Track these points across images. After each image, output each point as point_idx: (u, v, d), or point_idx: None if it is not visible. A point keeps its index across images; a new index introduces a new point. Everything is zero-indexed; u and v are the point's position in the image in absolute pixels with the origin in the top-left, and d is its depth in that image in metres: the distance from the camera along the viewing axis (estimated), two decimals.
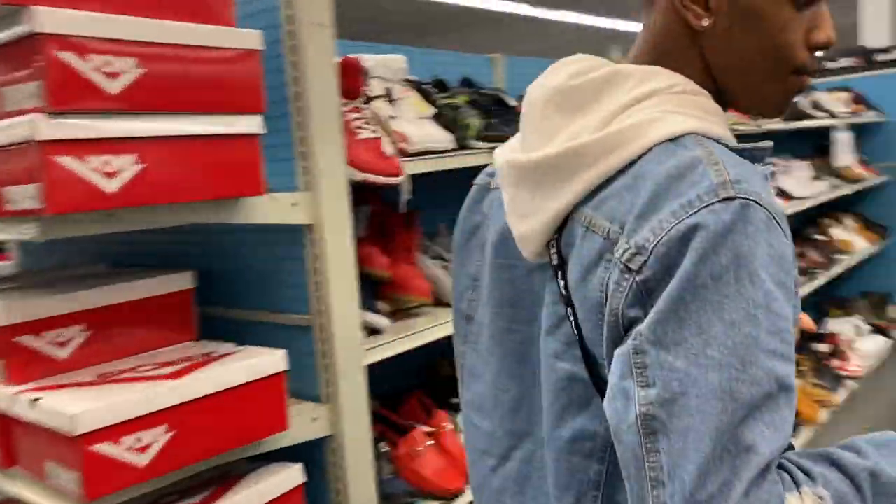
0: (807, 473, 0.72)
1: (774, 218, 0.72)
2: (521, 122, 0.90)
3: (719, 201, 0.70)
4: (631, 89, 0.82)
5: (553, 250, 0.83)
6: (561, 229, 0.83)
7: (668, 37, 0.87)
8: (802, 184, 4.40)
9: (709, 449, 0.65)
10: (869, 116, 5.23)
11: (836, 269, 4.43)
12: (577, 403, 0.82)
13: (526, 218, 0.85)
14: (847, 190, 4.78)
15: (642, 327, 0.71)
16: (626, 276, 0.73)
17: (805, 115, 4.25)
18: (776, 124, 3.80)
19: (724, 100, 0.89)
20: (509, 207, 0.88)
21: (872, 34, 7.00)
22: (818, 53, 0.87)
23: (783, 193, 4.08)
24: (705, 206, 0.70)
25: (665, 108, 0.80)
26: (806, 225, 4.80)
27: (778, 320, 0.69)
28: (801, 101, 4.47)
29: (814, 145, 5.04)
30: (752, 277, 0.69)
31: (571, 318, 0.81)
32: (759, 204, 0.71)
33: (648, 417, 0.68)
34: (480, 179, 1.05)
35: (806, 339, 4.18)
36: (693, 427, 0.66)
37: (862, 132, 5.28)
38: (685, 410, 0.67)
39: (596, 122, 0.80)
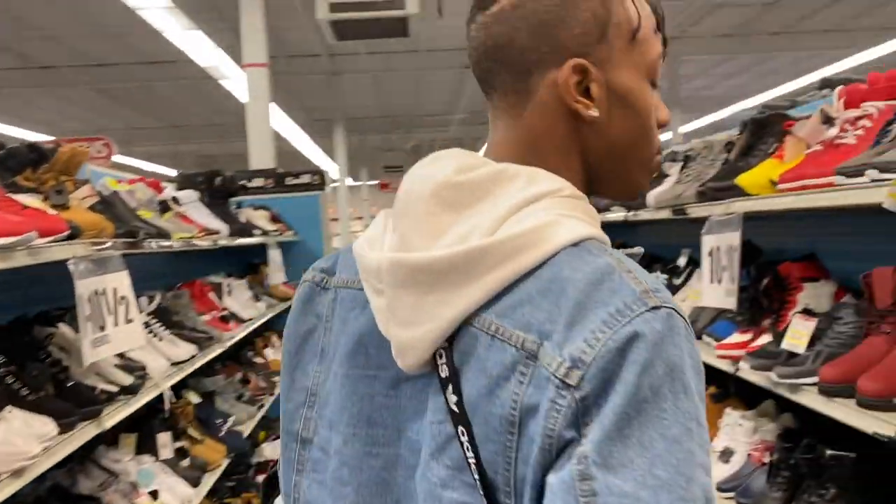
0: None
1: (689, 327, 0.71)
2: (395, 215, 0.81)
3: (648, 310, 0.68)
4: (520, 190, 0.77)
5: (442, 361, 0.74)
6: (452, 337, 0.74)
7: (548, 134, 0.83)
8: (245, 304, 4.04)
9: None
10: (288, 235, 5.25)
11: (278, 390, 4.15)
12: None
13: (411, 325, 0.75)
14: (279, 308, 4.61)
15: (586, 449, 0.65)
16: (564, 392, 0.66)
17: (247, 232, 3.94)
18: (229, 242, 3.37)
19: (591, 191, 0.86)
20: (385, 312, 0.77)
21: (258, 159, 7.42)
22: None
23: (234, 316, 3.64)
24: (637, 316, 0.67)
25: (558, 211, 0.76)
26: (243, 347, 4.44)
27: (705, 433, 0.68)
28: (240, 216, 4.17)
29: (246, 263, 4.79)
30: (685, 389, 0.67)
31: (465, 438, 0.71)
32: (679, 314, 0.69)
33: None
34: (311, 276, 0.93)
35: None
36: None
37: (283, 250, 5.25)
38: None
39: (489, 223, 0.74)
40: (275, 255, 4.62)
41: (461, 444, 0.71)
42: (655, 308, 0.67)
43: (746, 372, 2.04)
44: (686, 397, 0.66)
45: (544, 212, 0.74)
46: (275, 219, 5.21)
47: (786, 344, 1.89)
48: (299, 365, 0.90)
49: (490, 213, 0.74)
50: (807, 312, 1.94)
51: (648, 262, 3.32)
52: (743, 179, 2.05)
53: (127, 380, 2.32)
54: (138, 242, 2.35)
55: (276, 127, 13.24)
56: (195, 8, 10.22)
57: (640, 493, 0.62)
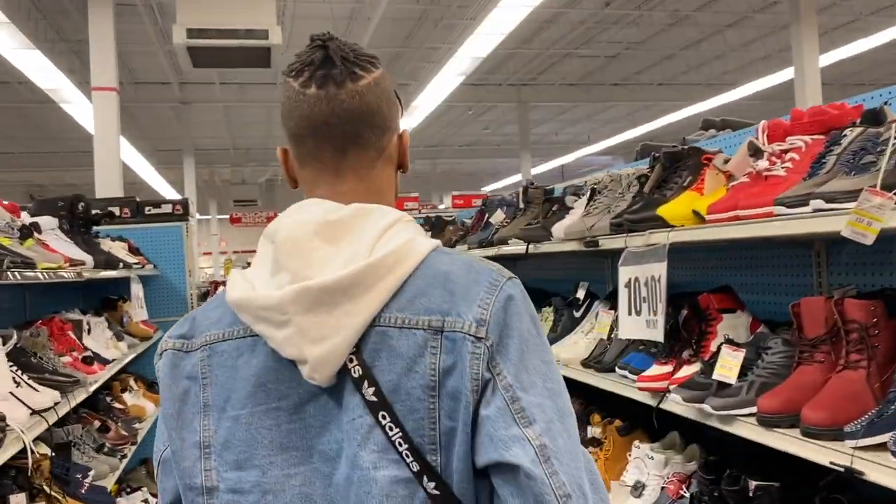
0: None
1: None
2: (282, 256, 0.94)
3: (508, 279, 0.96)
4: (376, 221, 0.96)
5: (353, 364, 0.90)
6: (358, 342, 0.91)
7: (386, 180, 1.07)
8: (106, 344, 3.61)
9: (579, 455, 0.89)
10: (149, 269, 4.81)
11: (140, 438, 3.73)
12: None
13: (324, 340, 0.90)
14: (141, 349, 4.18)
15: (509, 380, 0.89)
16: (479, 344, 0.90)
17: (112, 264, 3.54)
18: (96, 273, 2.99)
19: None
20: (296, 338, 0.90)
21: (105, 190, 6.91)
22: None
23: (97, 357, 3.23)
24: (504, 284, 0.94)
25: (408, 231, 0.97)
26: (98, 392, 3.96)
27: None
28: (102, 246, 3.74)
29: (101, 298, 4.31)
30: (538, 328, 0.95)
31: (386, 421, 0.88)
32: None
33: (542, 448, 0.86)
34: (171, 345, 1.02)
35: None
36: (566, 443, 0.88)
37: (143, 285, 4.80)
38: (557, 433, 0.87)
39: (364, 248, 0.93)
40: (137, 290, 4.20)
41: (382, 427, 0.87)
42: (511, 278, 0.95)
43: (673, 404, 2.01)
44: (542, 333, 0.94)
45: (401, 233, 0.95)
46: (133, 251, 4.76)
47: (717, 375, 1.86)
48: (185, 426, 0.98)
49: (362, 241, 0.93)
50: (730, 343, 1.94)
51: (545, 296, 3.29)
52: (665, 211, 2.03)
53: None
54: (1, 272, 1.99)
55: (122, 156, 12.42)
56: (30, 24, 9.41)
57: (545, 401, 0.88)
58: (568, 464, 0.86)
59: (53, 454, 2.98)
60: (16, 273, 2.11)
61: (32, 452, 2.56)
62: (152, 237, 5.20)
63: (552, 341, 2.92)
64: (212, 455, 0.95)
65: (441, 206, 16.60)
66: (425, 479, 0.87)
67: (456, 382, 0.88)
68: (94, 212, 3.78)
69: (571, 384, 2.95)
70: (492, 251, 3.48)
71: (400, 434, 0.87)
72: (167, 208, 5.32)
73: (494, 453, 0.86)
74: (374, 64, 1.03)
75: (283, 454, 0.92)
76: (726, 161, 2.10)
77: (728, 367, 1.86)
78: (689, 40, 12.48)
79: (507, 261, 4.42)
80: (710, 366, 1.94)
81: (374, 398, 0.88)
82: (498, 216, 3.68)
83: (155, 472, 1.06)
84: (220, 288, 8.44)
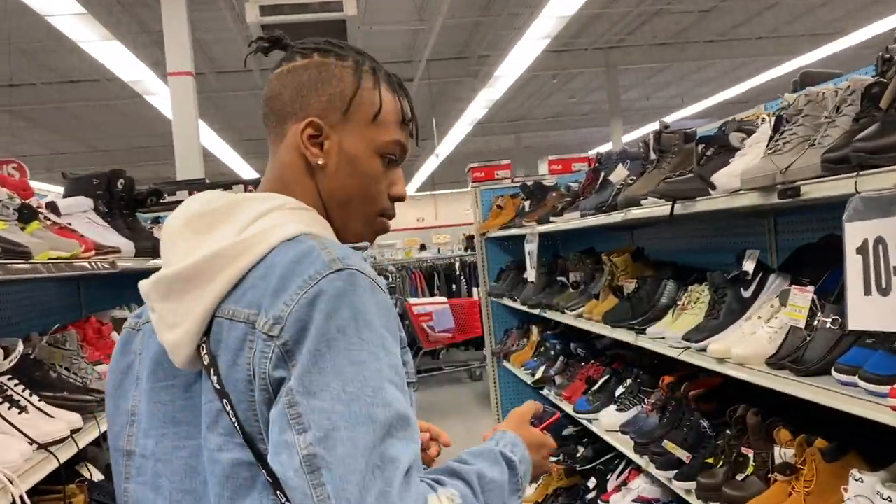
0: (438, 482, 0.89)
1: (375, 283, 0.90)
2: (161, 250, 1.00)
3: (332, 272, 0.88)
4: (254, 208, 0.97)
5: (204, 351, 0.91)
6: (208, 331, 0.92)
7: (290, 169, 1.05)
8: None
9: (363, 467, 0.78)
10: None
11: None
12: (245, 487, 0.88)
13: (175, 327, 0.93)
14: None
15: (292, 383, 0.83)
16: (269, 343, 0.86)
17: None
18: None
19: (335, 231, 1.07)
20: (158, 324, 0.96)
21: (184, 174, 6.50)
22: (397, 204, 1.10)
23: None
24: (323, 278, 0.87)
25: (282, 219, 0.97)
26: None
27: (393, 357, 0.87)
28: (155, 233, 3.19)
29: None
30: (368, 326, 0.86)
31: (228, 408, 0.88)
32: (363, 273, 0.89)
33: (310, 457, 0.79)
34: (128, 323, 1.10)
35: None
36: (348, 453, 0.79)
37: None
38: (339, 442, 0.79)
39: (231, 235, 0.94)
40: None
41: (227, 413, 0.89)
42: (339, 270, 0.88)
43: None
44: (370, 331, 0.86)
45: (269, 220, 0.96)
46: None
47: None
48: (121, 395, 1.06)
49: (230, 231, 0.95)
50: None
51: (685, 273, 2.51)
52: None
53: None
54: None
55: (207, 145, 12.17)
56: (112, 17, 9.15)
57: (335, 406, 0.81)
58: (342, 476, 0.79)
59: (100, 478, 2.43)
60: None
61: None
62: None
63: (712, 330, 2.14)
64: (134, 423, 1.03)
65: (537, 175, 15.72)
66: (261, 465, 0.87)
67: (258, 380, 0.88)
68: (148, 190, 3.21)
69: (746, 390, 2.20)
70: (616, 217, 2.71)
71: (237, 421, 0.88)
72: (239, 189, 4.76)
73: (271, 457, 0.84)
74: (324, 52, 1.05)
75: (175, 427, 0.98)
76: None
77: None
78: None
79: (628, 230, 3.64)
80: None
81: (217, 385, 0.89)
82: (619, 173, 2.91)
83: None
84: None
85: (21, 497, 1.50)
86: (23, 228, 1.86)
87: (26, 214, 1.87)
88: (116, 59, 9.11)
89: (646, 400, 2.93)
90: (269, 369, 0.85)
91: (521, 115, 18.60)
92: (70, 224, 2.26)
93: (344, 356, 0.83)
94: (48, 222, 2.02)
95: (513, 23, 10.85)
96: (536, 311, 4.12)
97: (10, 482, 1.50)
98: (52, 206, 2.19)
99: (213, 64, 12.49)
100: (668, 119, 15.88)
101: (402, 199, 1.09)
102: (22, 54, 10.37)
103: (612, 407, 3.12)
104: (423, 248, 14.27)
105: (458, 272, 9.50)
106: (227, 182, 4.95)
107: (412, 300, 8.29)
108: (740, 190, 1.80)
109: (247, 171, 18.82)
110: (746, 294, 2.13)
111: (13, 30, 9.20)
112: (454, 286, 9.47)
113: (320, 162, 1.02)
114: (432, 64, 12.08)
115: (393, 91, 1.07)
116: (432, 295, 9.29)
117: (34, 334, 2.27)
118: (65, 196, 2.61)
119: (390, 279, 8.91)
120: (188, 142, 7.14)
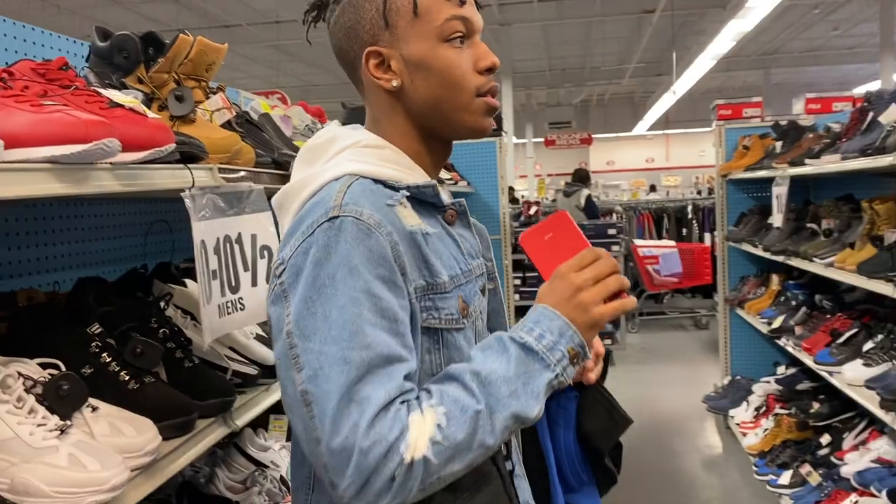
0: (428, 392, 0.93)
1: (372, 229, 0.94)
2: None
3: (326, 221, 0.94)
4: (337, 145, 1.05)
5: None
6: None
7: (378, 108, 1.09)
8: None
9: (337, 403, 0.88)
10: (462, 186, 4.56)
11: None
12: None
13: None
14: None
15: (290, 327, 0.93)
16: (275, 280, 0.97)
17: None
18: None
19: (440, 142, 1.10)
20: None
21: None
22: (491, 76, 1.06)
23: None
24: (319, 226, 0.94)
25: (349, 157, 1.03)
26: None
27: (380, 302, 0.92)
28: None
29: None
30: (352, 272, 0.91)
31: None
32: (359, 219, 0.93)
33: (304, 393, 0.90)
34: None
35: None
36: (329, 390, 0.88)
37: None
38: (322, 380, 0.89)
39: (314, 172, 1.04)
40: None
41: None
42: (333, 218, 0.94)
43: None
44: (353, 277, 0.91)
45: (339, 158, 1.03)
46: (447, 167, 4.54)
47: None
48: None
49: (318, 165, 1.05)
50: None
51: None
52: None
53: (271, 356, 1.71)
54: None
55: None
56: None
57: (322, 348, 0.90)
58: (322, 409, 0.88)
59: None
60: None
61: None
62: (465, 153, 4.95)
63: None
64: None
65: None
66: None
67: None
68: None
69: None
70: (884, 161, 2.56)
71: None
72: None
73: (282, 389, 0.95)
74: None
75: None
76: None
77: None
78: None
79: (894, 176, 3.37)
80: None
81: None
82: (891, 113, 2.71)
83: None
84: (533, 208, 8.21)
85: None
86: None
87: None
88: None
89: None
90: (269, 304, 0.97)
91: (773, 49, 17.15)
92: None
93: (331, 302, 0.90)
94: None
95: None
96: (780, 259, 3.97)
97: None
98: None
99: None
100: None
101: (494, 68, 1.05)
102: None
103: (859, 361, 2.99)
104: (652, 188, 13.90)
105: (689, 216, 9.20)
106: None
107: (638, 241, 8.21)
108: None
109: None
110: None
111: None
112: (684, 230, 9.20)
113: (395, 84, 1.04)
114: None
115: None
116: (660, 238, 9.13)
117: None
118: (343, 124, 2.96)
119: (616, 219, 8.85)
120: None
